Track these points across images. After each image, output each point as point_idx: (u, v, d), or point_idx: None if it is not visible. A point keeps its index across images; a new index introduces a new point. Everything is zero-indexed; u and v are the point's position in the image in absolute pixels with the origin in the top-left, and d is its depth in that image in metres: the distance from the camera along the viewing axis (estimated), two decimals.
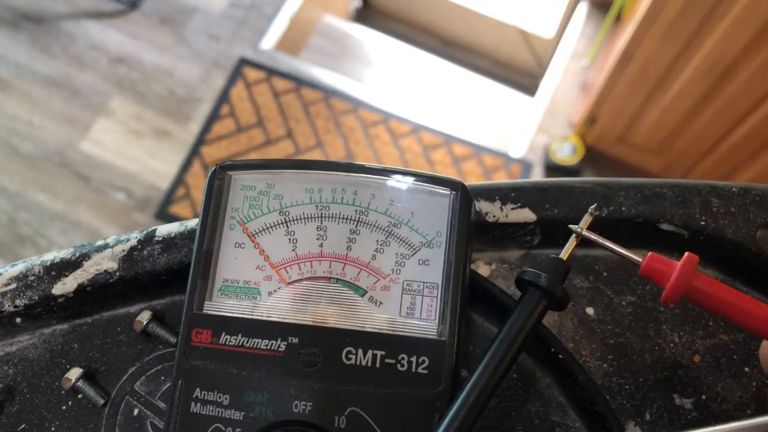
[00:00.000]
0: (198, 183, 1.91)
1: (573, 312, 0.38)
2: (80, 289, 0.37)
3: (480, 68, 2.19)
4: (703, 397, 0.36)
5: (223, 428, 0.30)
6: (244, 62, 2.01)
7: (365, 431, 0.29)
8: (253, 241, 0.32)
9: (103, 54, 1.98)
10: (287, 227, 0.32)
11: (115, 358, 0.38)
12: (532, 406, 0.37)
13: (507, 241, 0.38)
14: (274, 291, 0.32)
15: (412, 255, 0.31)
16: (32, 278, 0.37)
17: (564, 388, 0.37)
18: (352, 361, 0.30)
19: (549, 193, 0.38)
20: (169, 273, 0.37)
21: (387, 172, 0.32)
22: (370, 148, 1.94)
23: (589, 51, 1.95)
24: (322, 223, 0.32)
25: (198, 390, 0.30)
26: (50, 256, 0.37)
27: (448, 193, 0.31)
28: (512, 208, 0.37)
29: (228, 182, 0.33)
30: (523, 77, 2.21)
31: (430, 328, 0.30)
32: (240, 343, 0.31)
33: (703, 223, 0.37)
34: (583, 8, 2.00)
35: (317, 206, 0.32)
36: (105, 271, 0.37)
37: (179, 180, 1.91)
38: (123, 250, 0.37)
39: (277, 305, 0.31)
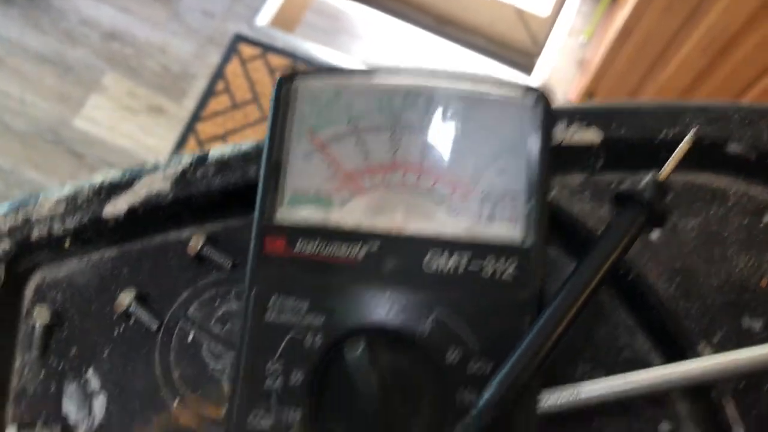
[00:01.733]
0: None
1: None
2: (131, 211, 0.35)
3: (474, 46, 2.18)
4: None
5: (301, 337, 0.29)
6: (239, 38, 1.98)
7: (449, 338, 0.29)
8: (323, 151, 0.31)
9: (94, 29, 1.95)
10: (358, 136, 0.31)
11: (166, 282, 0.37)
12: (601, 329, 0.36)
13: (569, 164, 0.37)
14: (347, 201, 0.31)
15: (491, 163, 0.30)
16: (82, 200, 0.35)
17: (632, 311, 0.36)
18: (435, 268, 0.29)
19: (615, 114, 0.37)
20: (223, 195, 0.36)
21: (465, 78, 0.31)
22: None
23: (586, 27, 1.95)
24: (394, 131, 0.31)
25: (273, 299, 0.29)
26: (99, 178, 0.36)
27: (528, 98, 0.31)
28: (578, 129, 0.36)
29: (294, 91, 0.32)
30: (518, 55, 2.21)
31: (514, 235, 0.30)
32: (316, 251, 0.30)
33: None
34: None
35: (389, 114, 0.31)
36: (157, 192, 0.36)
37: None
38: (175, 172, 0.36)
39: (351, 214, 0.30)
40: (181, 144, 1.90)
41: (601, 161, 0.38)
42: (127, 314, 0.36)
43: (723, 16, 1.38)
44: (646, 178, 0.29)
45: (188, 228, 0.37)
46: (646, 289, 0.36)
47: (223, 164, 0.36)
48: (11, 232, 0.35)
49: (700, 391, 0.35)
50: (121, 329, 0.36)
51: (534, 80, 1.99)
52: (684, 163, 0.37)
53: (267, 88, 1.96)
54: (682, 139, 0.37)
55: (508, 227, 0.30)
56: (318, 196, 0.31)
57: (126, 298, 0.35)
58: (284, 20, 2.07)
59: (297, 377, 0.29)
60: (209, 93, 1.95)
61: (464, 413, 0.28)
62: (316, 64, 1.98)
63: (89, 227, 0.35)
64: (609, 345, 0.36)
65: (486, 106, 0.31)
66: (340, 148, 0.31)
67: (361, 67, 0.32)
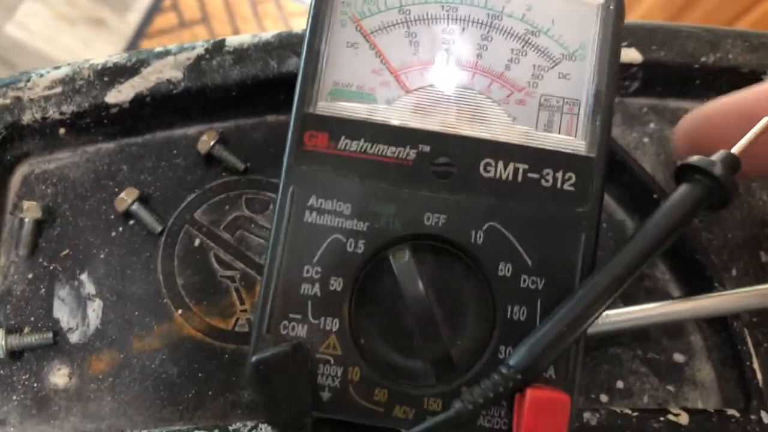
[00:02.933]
0: None
1: (665, 165, 0.36)
2: (138, 98, 0.32)
3: None
4: None
5: (344, 239, 0.26)
6: None
7: (504, 248, 0.27)
8: (369, 41, 0.28)
9: None
10: (408, 27, 0.28)
11: (171, 183, 0.33)
12: None
13: None
14: (393, 98, 0.28)
15: (552, 67, 0.28)
16: (81, 82, 0.31)
17: None
18: (491, 174, 0.27)
19: (656, 34, 0.35)
20: (240, 89, 0.33)
21: None
22: None
23: None
24: (448, 25, 0.28)
25: (314, 198, 0.27)
26: (101, 60, 0.32)
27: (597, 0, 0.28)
28: None
29: None
30: None
31: (576, 144, 0.28)
32: (363, 149, 0.27)
33: None
34: None
35: (444, 6, 0.28)
36: (168, 80, 0.32)
37: None
38: (188, 59, 0.32)
39: (399, 112, 0.28)
40: None
41: (637, 84, 0.36)
42: (127, 214, 0.32)
43: None
44: (719, 153, 0.27)
45: (196, 124, 0.34)
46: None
47: (242, 54, 0.33)
48: (0, 112, 0.31)
49: (714, 324, 0.34)
50: (120, 230, 0.33)
51: None
52: (721, 90, 0.35)
53: (217, 10, 1.87)
54: (721, 66, 0.35)
55: (566, 136, 0.28)
56: (362, 91, 0.28)
57: (128, 197, 0.32)
58: None
59: (337, 284, 0.26)
60: (155, 8, 1.85)
61: (514, 330, 0.26)
62: None
63: (89, 114, 0.31)
64: None
65: (551, 2, 0.28)
66: (388, 40, 0.28)
67: None
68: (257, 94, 0.33)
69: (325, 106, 0.28)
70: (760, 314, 0.35)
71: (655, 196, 0.34)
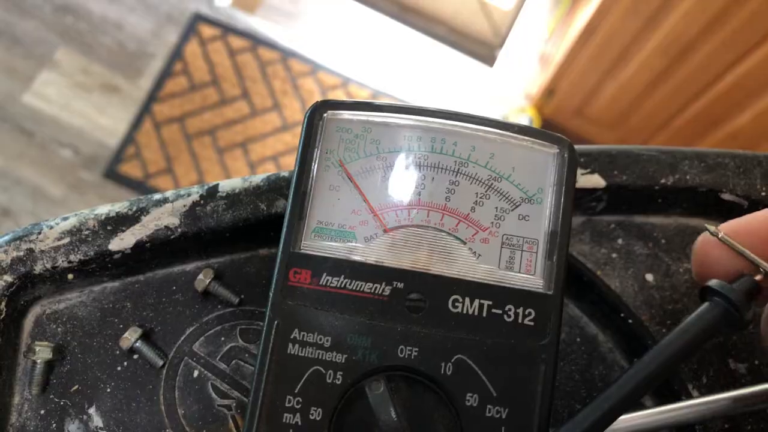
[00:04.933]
0: (149, 142, 1.84)
1: (633, 278, 0.38)
2: (139, 245, 0.35)
3: (437, 35, 2.18)
4: (756, 362, 0.38)
5: (324, 371, 0.29)
6: (198, 18, 1.94)
7: (471, 379, 0.29)
8: (353, 183, 0.31)
9: (46, 1, 1.87)
10: (384, 173, 0.31)
11: (171, 317, 0.36)
12: (595, 370, 0.37)
13: None
14: (371, 236, 0.31)
15: (512, 210, 0.31)
16: (87, 232, 0.34)
17: (627, 353, 0.37)
18: (459, 309, 0.30)
19: (617, 160, 0.38)
20: (233, 231, 0.35)
21: (490, 123, 0.31)
22: None
23: (548, 23, 1.97)
24: (420, 171, 0.31)
25: (296, 331, 0.29)
26: (104, 210, 0.35)
27: (553, 149, 0.31)
28: (582, 174, 0.37)
29: (324, 122, 0.31)
30: (478, 46, 2.22)
31: (534, 281, 0.30)
32: (342, 285, 0.30)
33: (764, 194, 0.38)
34: None
35: (416, 154, 0.31)
36: (166, 226, 0.35)
37: (129, 138, 1.84)
38: (184, 206, 0.35)
39: (376, 250, 0.30)
40: (136, 125, 1.85)
41: (603, 204, 0.39)
42: (132, 350, 0.35)
43: (683, 20, 1.42)
44: (742, 279, 0.29)
45: (193, 261, 0.37)
46: (639, 332, 0.37)
47: (234, 198, 0.35)
48: (14, 264, 0.34)
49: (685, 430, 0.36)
50: (125, 365, 0.35)
51: (495, 72, 2.00)
52: (680, 208, 0.38)
53: (227, 71, 1.92)
54: (680, 186, 0.38)
55: (525, 274, 0.30)
56: (343, 230, 0.31)
57: (132, 335, 0.35)
58: (245, 1, 2.03)
59: (316, 414, 0.29)
60: (166, 73, 1.91)
61: None
62: (277, 47, 1.95)
63: (94, 261, 0.34)
64: (604, 384, 0.37)
65: (512, 151, 0.31)
66: (366, 183, 0.31)
67: (394, 102, 0.32)
68: (249, 233, 0.36)
69: (309, 245, 0.30)
70: (732, 420, 0.37)
71: (622, 314, 0.36)
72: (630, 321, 0.36)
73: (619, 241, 0.39)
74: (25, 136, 1.79)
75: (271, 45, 1.95)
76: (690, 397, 0.36)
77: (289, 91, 1.92)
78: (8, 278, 0.34)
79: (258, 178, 0.36)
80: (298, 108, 1.92)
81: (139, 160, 1.83)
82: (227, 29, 1.94)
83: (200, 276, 0.36)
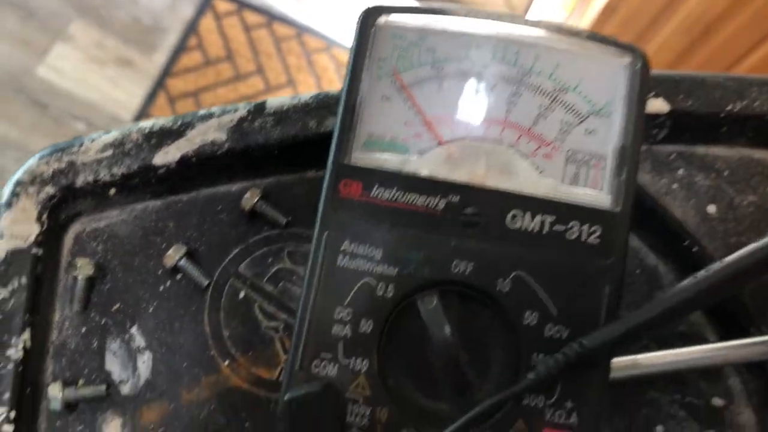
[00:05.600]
0: (163, 116, 1.83)
1: (695, 209, 0.37)
2: (184, 159, 0.33)
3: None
4: None
5: (375, 283, 0.28)
6: None
7: (530, 297, 0.28)
8: (407, 93, 0.29)
9: None
10: (440, 83, 0.30)
11: (215, 238, 0.35)
12: None
13: None
14: (425, 149, 0.29)
15: (579, 123, 0.29)
16: (130, 146, 0.33)
17: None
18: (518, 225, 0.28)
19: (682, 84, 0.36)
20: (281, 148, 0.34)
21: (556, 29, 0.30)
22: None
23: (567, 2, 1.95)
24: (479, 81, 0.30)
25: (347, 243, 0.28)
26: (148, 124, 0.34)
27: (625, 59, 0.29)
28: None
29: (377, 29, 0.30)
30: None
31: (601, 198, 0.29)
32: (394, 198, 0.28)
33: None
34: None
35: (475, 63, 0.30)
36: (212, 141, 0.34)
37: (143, 112, 1.83)
38: (231, 121, 0.34)
39: (429, 163, 0.29)
40: (150, 99, 1.84)
41: (665, 131, 0.37)
42: (175, 269, 0.34)
43: (684, 22, 1.40)
44: None
45: (239, 181, 0.36)
46: (703, 264, 0.35)
47: (282, 115, 0.34)
48: (55, 176, 0.32)
49: (752, 368, 0.35)
50: (168, 285, 0.34)
51: None
52: (744, 137, 0.36)
53: (242, 46, 1.91)
54: (746, 113, 0.36)
55: (591, 191, 0.29)
56: (394, 142, 0.29)
57: (176, 253, 0.33)
58: None
59: (366, 327, 0.28)
60: (181, 48, 1.89)
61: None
62: (292, 23, 1.93)
63: (138, 175, 0.33)
64: None
65: (579, 61, 0.30)
66: (421, 93, 0.30)
67: (449, 7, 0.30)
68: (297, 152, 0.35)
69: (359, 157, 0.29)
70: None
71: (685, 243, 0.34)
72: (694, 249, 0.34)
73: (680, 171, 0.37)
74: (39, 108, 1.78)
75: (286, 21, 1.93)
76: (758, 333, 0.34)
77: (303, 67, 1.91)
78: (50, 190, 0.32)
79: (306, 96, 0.35)
80: (313, 84, 1.90)
81: None
82: (242, 4, 1.92)
83: (247, 195, 0.34)
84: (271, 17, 1.93)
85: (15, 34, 1.80)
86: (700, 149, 0.38)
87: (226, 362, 0.33)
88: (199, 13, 1.92)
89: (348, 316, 0.28)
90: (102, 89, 1.83)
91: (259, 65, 1.91)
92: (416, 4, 0.29)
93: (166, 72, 1.88)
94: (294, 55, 1.93)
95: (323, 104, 0.35)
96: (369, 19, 0.30)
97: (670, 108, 0.36)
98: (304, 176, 0.36)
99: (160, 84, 1.86)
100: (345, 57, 1.91)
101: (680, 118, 0.36)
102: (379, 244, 0.28)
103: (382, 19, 0.30)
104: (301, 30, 1.94)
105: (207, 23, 1.92)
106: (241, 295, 0.34)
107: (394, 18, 0.30)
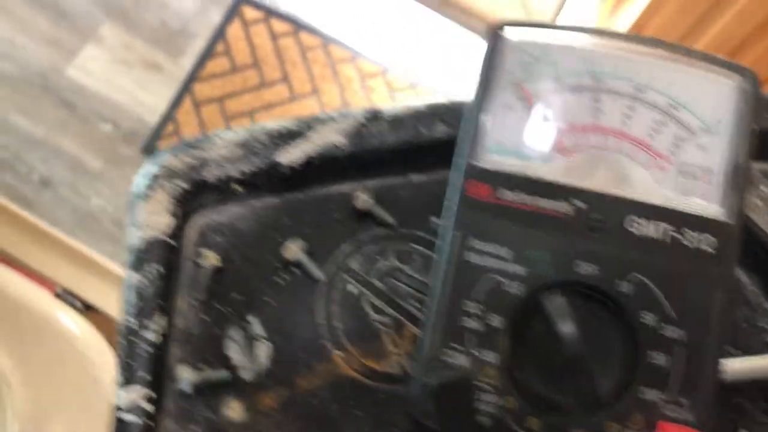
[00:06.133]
0: (188, 120, 1.85)
1: None
2: (307, 160, 0.35)
3: (475, 29, 2.19)
4: None
5: (503, 280, 0.30)
6: (242, 0, 1.95)
7: (649, 298, 0.30)
8: (531, 104, 0.32)
9: None
10: (562, 95, 0.32)
11: (328, 234, 0.37)
12: (740, 312, 0.38)
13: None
14: (549, 156, 0.31)
15: (691, 138, 0.31)
16: (257, 145, 0.35)
17: None
18: (638, 230, 0.30)
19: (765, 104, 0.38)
20: (395, 152, 0.36)
21: (672, 49, 0.32)
22: (366, 100, 1.92)
23: (591, 21, 1.97)
24: (598, 95, 0.32)
25: (476, 241, 0.30)
26: (273, 125, 0.36)
27: (736, 79, 0.32)
28: None
29: (505, 43, 0.32)
30: None
31: (714, 210, 0.31)
32: (521, 201, 0.30)
33: None
34: None
35: (595, 78, 0.32)
36: (333, 144, 0.36)
37: (169, 116, 1.85)
38: (351, 125, 0.36)
39: (554, 169, 0.31)
40: (176, 103, 1.86)
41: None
42: (293, 262, 0.36)
43: (735, 20, 1.41)
44: None
45: (350, 182, 0.38)
46: None
47: (397, 121, 0.36)
48: (187, 171, 0.34)
49: None
50: (284, 277, 0.36)
51: None
52: None
53: (269, 54, 1.93)
54: None
55: (703, 202, 0.31)
56: (519, 148, 0.31)
57: (296, 248, 0.35)
58: None
59: (495, 321, 0.30)
60: (208, 53, 1.92)
61: (654, 373, 0.29)
62: (318, 33, 1.96)
63: (262, 173, 0.35)
64: (748, 325, 0.37)
65: (692, 80, 0.32)
66: (545, 104, 0.32)
67: (572, 25, 0.33)
68: (406, 155, 0.37)
69: (488, 160, 0.31)
70: None
71: None
72: None
73: (763, 188, 0.39)
74: (67, 108, 1.80)
75: (313, 30, 1.96)
76: None
77: (328, 77, 1.93)
78: (182, 184, 0.34)
79: (419, 104, 0.37)
80: (337, 93, 1.92)
81: (178, 138, 1.84)
82: (270, 12, 1.95)
83: (360, 195, 0.36)
84: (298, 26, 1.96)
85: (46, 34, 1.83)
86: None
87: (338, 353, 0.35)
88: (227, 19, 1.95)
89: (477, 310, 0.30)
90: (129, 91, 1.85)
91: (285, 73, 1.93)
92: (547, 22, 0.31)
93: (193, 77, 1.90)
94: (319, 65, 1.95)
95: (434, 112, 0.37)
96: (499, 33, 0.32)
97: (759, 128, 0.38)
98: (410, 180, 0.38)
99: (186, 88, 1.89)
100: (369, 68, 1.93)
101: (765, 136, 0.38)
102: (507, 244, 0.30)
103: (511, 34, 0.32)
104: (326, 40, 1.97)
105: (235, 30, 1.95)
106: (352, 289, 0.36)
107: (522, 33, 0.32)
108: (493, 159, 0.31)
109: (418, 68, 1.94)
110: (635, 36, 0.32)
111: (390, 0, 2.10)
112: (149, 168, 0.35)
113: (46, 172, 1.77)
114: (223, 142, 0.35)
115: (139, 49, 1.89)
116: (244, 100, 1.91)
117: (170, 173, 0.34)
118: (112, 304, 0.92)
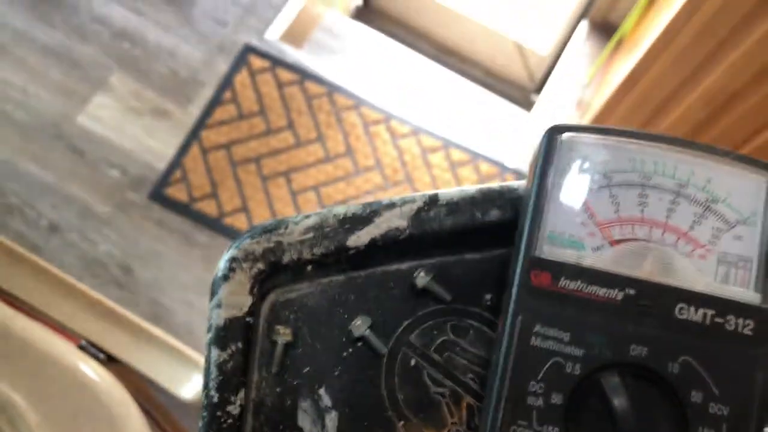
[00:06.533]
0: (195, 167, 1.89)
1: None
2: (372, 243, 0.39)
3: (473, 77, 2.25)
4: None
5: (563, 362, 0.33)
6: (249, 49, 2.00)
7: (696, 378, 0.33)
8: (582, 198, 0.35)
9: (106, 28, 1.94)
10: (610, 191, 0.35)
11: (389, 310, 0.40)
12: None
13: None
14: (598, 247, 0.35)
15: (728, 230, 0.35)
16: (328, 229, 0.38)
17: None
18: (685, 316, 0.33)
19: None
20: (450, 234, 0.39)
21: (708, 150, 0.35)
22: (369, 146, 1.97)
23: (586, 70, 2.04)
24: (643, 190, 0.35)
25: (539, 326, 0.33)
26: (342, 210, 0.39)
27: (765, 175, 0.35)
28: None
29: (559, 143, 0.36)
30: (515, 90, 2.29)
31: (751, 296, 0.34)
32: (579, 288, 0.34)
33: None
34: (582, 28, 2.09)
35: (640, 175, 0.35)
36: (396, 227, 0.39)
37: (176, 162, 1.88)
38: (411, 210, 0.39)
39: (604, 259, 0.34)
40: (184, 150, 1.90)
41: None
42: (359, 338, 0.39)
43: (727, 73, 1.47)
44: None
45: (408, 261, 0.41)
46: None
47: (453, 206, 0.39)
48: (265, 254, 0.37)
49: None
50: (350, 351, 0.39)
51: (533, 116, 2.06)
52: None
53: (275, 102, 1.98)
54: None
55: (741, 288, 0.34)
56: (573, 239, 0.35)
57: (363, 324, 0.38)
58: (293, 36, 2.09)
59: (557, 399, 0.33)
60: (216, 101, 1.96)
61: None
62: (323, 81, 2.01)
63: (332, 255, 0.38)
64: None
65: (727, 177, 0.35)
66: (594, 199, 0.35)
67: (619, 128, 0.36)
68: (462, 237, 0.40)
69: (545, 250, 0.35)
70: None
71: None
72: None
73: None
74: (77, 155, 1.84)
75: (318, 79, 2.01)
76: None
77: (333, 124, 1.98)
78: (260, 266, 0.37)
79: (472, 189, 0.40)
80: (341, 140, 1.97)
81: (185, 184, 1.87)
82: (276, 62, 2.00)
83: (421, 274, 0.39)
84: (304, 75, 2.01)
85: (59, 83, 1.87)
86: None
87: (401, 423, 0.38)
88: (235, 68, 1.99)
89: (541, 390, 0.33)
90: (138, 138, 1.89)
91: (290, 120, 1.98)
92: (597, 125, 0.35)
93: (201, 124, 1.94)
94: (324, 112, 2.00)
95: (487, 197, 0.40)
96: (554, 134, 0.36)
97: None
98: (463, 258, 0.41)
99: (194, 135, 1.92)
100: (373, 115, 1.98)
101: None
102: (566, 328, 0.33)
103: (564, 135, 0.36)
104: (331, 88, 2.02)
105: (242, 79, 1.99)
106: (412, 362, 0.39)
107: (575, 135, 0.36)
108: (550, 249, 0.34)
109: (418, 115, 1.99)
110: (678, 139, 0.36)
111: (390, 51, 2.16)
112: (231, 252, 0.38)
113: (55, 218, 1.79)
114: (299, 227, 0.38)
115: (148, 98, 1.93)
116: (251, 147, 1.95)
117: (249, 256, 0.37)
118: (134, 354, 0.94)
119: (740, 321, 0.33)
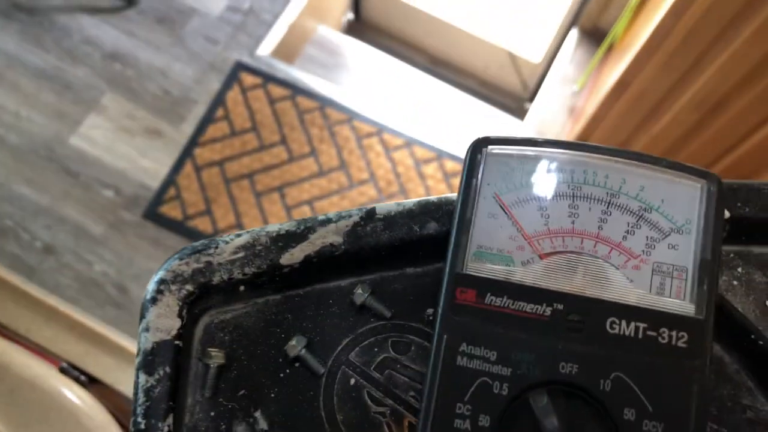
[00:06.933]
0: (189, 184, 1.89)
1: (754, 304, 0.41)
2: (306, 260, 0.38)
3: (466, 87, 2.25)
4: None
5: (491, 382, 0.32)
6: (240, 67, 2.00)
7: (628, 395, 0.32)
8: (507, 212, 0.34)
9: (97, 49, 1.95)
10: (539, 202, 0.34)
11: (328, 329, 0.39)
12: (723, 389, 0.39)
13: None
14: (528, 261, 0.34)
15: (662, 239, 0.34)
16: (260, 248, 0.38)
17: (754, 374, 0.39)
18: (616, 330, 0.32)
19: (739, 193, 0.41)
20: (388, 249, 0.38)
21: (639, 158, 0.34)
22: (363, 159, 1.96)
23: (578, 77, 2.03)
24: (574, 201, 0.34)
25: (464, 345, 0.32)
26: (274, 228, 0.38)
27: (701, 183, 0.34)
28: None
29: (484, 156, 0.35)
30: (509, 99, 2.28)
31: (686, 306, 0.33)
32: (505, 305, 0.33)
33: None
34: (573, 35, 2.08)
35: (569, 185, 0.34)
36: (331, 244, 0.38)
37: (170, 180, 1.89)
38: (347, 225, 0.38)
39: (533, 274, 0.33)
40: (177, 168, 1.90)
41: (724, 234, 0.42)
42: (296, 358, 0.38)
43: (717, 75, 1.46)
44: None
45: (347, 277, 0.40)
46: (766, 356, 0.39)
47: (390, 220, 0.39)
48: (194, 275, 0.37)
49: None
50: (287, 372, 0.38)
51: (526, 125, 2.05)
52: None
53: (267, 118, 1.98)
54: None
55: (675, 299, 0.33)
56: (501, 254, 0.34)
57: (299, 344, 0.37)
58: (285, 52, 2.10)
59: (484, 421, 0.31)
60: (208, 119, 1.97)
61: None
62: (315, 96, 2.01)
63: (265, 274, 0.37)
64: (733, 404, 0.39)
65: (660, 184, 0.34)
66: (521, 212, 0.34)
67: (547, 138, 0.35)
68: (399, 252, 0.39)
69: (472, 267, 0.34)
70: None
71: (752, 336, 0.38)
72: (761, 342, 0.38)
73: (739, 269, 0.42)
74: (71, 176, 1.84)
75: (310, 94, 2.01)
76: None
77: (326, 138, 1.97)
78: (189, 287, 0.37)
79: (410, 203, 0.39)
80: (335, 154, 1.97)
81: (179, 201, 1.87)
82: (268, 78, 2.01)
83: (358, 290, 0.38)
84: (295, 91, 2.01)
85: (51, 105, 1.88)
86: (756, 249, 0.42)
87: None
88: (226, 86, 2.00)
89: (468, 411, 0.32)
90: (131, 158, 1.89)
91: (283, 136, 1.98)
92: (522, 137, 0.34)
93: (194, 142, 1.94)
94: (317, 127, 1.99)
95: (425, 210, 0.39)
96: (478, 147, 0.35)
97: (730, 214, 0.40)
98: (404, 272, 0.40)
99: (187, 153, 1.93)
100: (366, 129, 1.98)
101: (738, 222, 0.41)
102: (493, 347, 0.32)
103: (489, 149, 0.35)
104: (323, 103, 2.01)
105: (234, 96, 2.00)
106: (352, 381, 0.38)
107: (499, 147, 0.35)
108: (476, 265, 0.34)
109: (412, 127, 1.98)
110: (608, 148, 0.35)
111: (383, 63, 2.16)
112: (159, 274, 0.37)
113: (50, 240, 1.79)
114: (229, 247, 0.37)
115: (140, 117, 1.93)
116: (244, 163, 1.95)
117: (178, 278, 0.37)
118: (117, 376, 0.93)
119: (674, 333, 0.32)
